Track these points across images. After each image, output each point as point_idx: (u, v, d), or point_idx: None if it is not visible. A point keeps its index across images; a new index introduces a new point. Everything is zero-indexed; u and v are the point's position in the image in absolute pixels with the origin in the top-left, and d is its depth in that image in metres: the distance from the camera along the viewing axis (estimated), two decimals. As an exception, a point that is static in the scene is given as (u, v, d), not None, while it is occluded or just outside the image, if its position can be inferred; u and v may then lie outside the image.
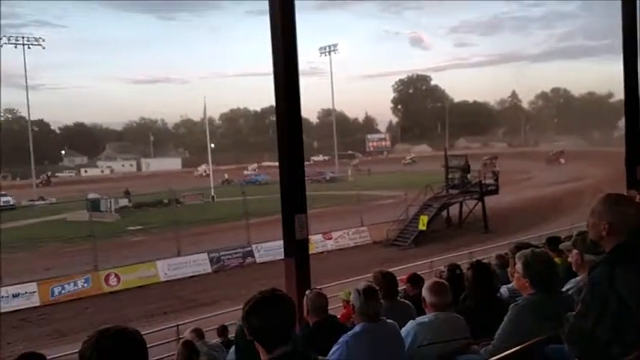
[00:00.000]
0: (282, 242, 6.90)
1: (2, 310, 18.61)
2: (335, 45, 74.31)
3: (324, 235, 26.14)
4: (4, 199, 48.16)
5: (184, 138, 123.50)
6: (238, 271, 23.31)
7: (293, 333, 2.23)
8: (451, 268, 5.29)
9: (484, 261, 5.39)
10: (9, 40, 61.96)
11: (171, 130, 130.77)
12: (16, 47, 62.26)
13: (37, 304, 19.38)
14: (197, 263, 23.21)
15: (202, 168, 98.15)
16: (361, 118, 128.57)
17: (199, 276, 22.64)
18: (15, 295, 19.22)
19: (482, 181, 30.08)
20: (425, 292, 3.57)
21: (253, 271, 22.75)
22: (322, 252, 24.52)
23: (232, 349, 5.63)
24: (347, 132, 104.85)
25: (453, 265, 5.37)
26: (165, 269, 22.43)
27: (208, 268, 23.31)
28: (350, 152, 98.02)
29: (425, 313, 3.62)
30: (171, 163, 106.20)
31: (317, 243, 24.34)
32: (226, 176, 70.35)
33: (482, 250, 18.15)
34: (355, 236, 27.83)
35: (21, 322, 17.79)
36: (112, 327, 1.86)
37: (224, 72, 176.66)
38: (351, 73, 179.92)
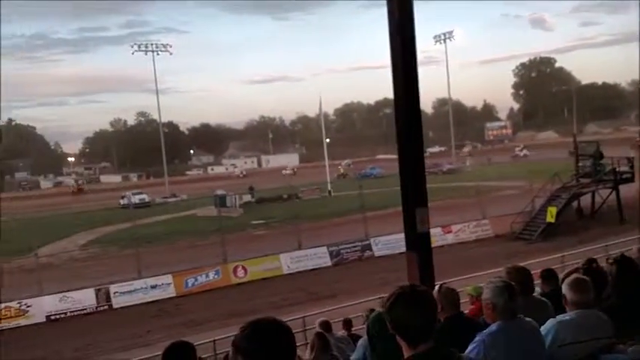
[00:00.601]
0: (400, 236, 6.81)
1: (142, 301, 20.26)
2: (450, 32, 72.27)
3: (443, 228, 25.55)
4: (139, 196, 52.22)
5: (301, 134, 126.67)
6: (357, 264, 23.48)
7: (435, 329, 2.20)
8: (589, 262, 4.92)
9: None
10: (139, 47, 66.95)
11: (289, 127, 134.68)
12: (146, 54, 67.13)
13: (173, 294, 20.83)
14: (317, 256, 23.71)
15: (290, 167, 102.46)
16: (479, 106, 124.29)
17: (320, 269, 23.11)
18: (153, 287, 20.79)
19: (617, 169, 27.79)
20: (565, 289, 3.35)
21: (372, 264, 22.81)
22: (442, 245, 24.01)
23: (360, 342, 5.66)
24: (464, 121, 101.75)
25: (591, 259, 4.99)
26: (288, 262, 23.16)
27: (328, 262, 23.73)
28: (467, 142, 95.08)
29: (563, 311, 3.41)
30: (289, 159, 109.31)
31: (436, 237, 23.85)
32: (341, 170, 71.03)
33: (620, 242, 16.77)
34: (476, 229, 26.92)
35: (159, 312, 19.19)
36: (263, 318, 1.92)
37: (337, 67, 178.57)
38: (467, 60, 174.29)
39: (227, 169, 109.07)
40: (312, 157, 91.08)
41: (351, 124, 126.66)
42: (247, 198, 46.18)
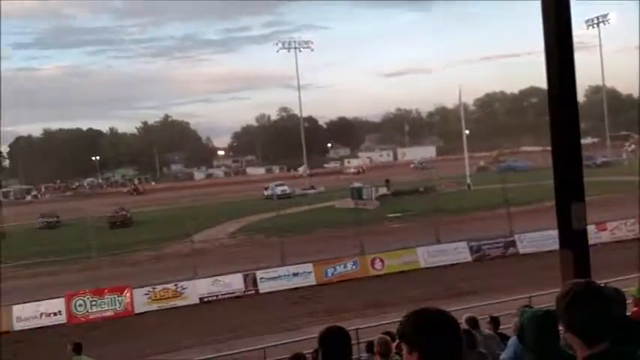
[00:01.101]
0: (548, 233, 6.42)
1: (285, 287, 21.19)
2: (605, 15, 66.46)
3: (597, 225, 23.64)
4: (280, 188, 54.53)
5: (438, 126, 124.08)
6: (500, 261, 22.55)
7: (614, 328, 2.07)
8: None
9: None
10: (283, 45, 69.78)
11: (426, 119, 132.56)
12: (289, 51, 69.81)
13: (313, 283, 21.53)
14: (457, 251, 23.13)
15: (354, 163, 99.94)
16: (637, 94, 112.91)
17: (459, 264, 22.54)
18: (295, 274, 21.64)
19: None
20: None
21: (516, 261, 21.80)
22: (595, 244, 22.22)
23: (510, 341, 5.44)
24: (620, 110, 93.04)
25: None
26: (425, 256, 22.86)
27: (468, 257, 23.05)
28: (624, 133, 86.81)
29: None
30: (426, 152, 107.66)
31: (590, 234, 22.09)
32: (482, 163, 68.50)
33: None
34: (634, 227, 24.57)
35: (300, 299, 19.96)
36: (428, 307, 1.93)
37: (476, 57, 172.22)
38: (623, 44, 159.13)
39: (363, 161, 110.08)
40: (450, 150, 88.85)
41: (492, 115, 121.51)
42: (383, 190, 46.30)
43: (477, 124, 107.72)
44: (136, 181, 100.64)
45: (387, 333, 7.08)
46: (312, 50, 70.74)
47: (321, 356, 3.29)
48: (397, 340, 7.16)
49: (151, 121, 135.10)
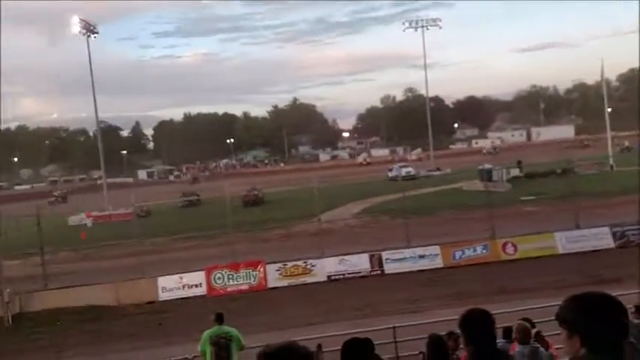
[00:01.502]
0: None
1: (411, 269, 21.06)
2: None
3: None
4: (405, 169, 54.04)
5: (577, 103, 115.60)
6: (648, 248, 20.62)
7: None
8: None
9: None
10: (410, 24, 68.56)
11: (563, 96, 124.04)
12: (416, 30, 68.51)
13: (440, 265, 21.17)
14: (598, 237, 21.52)
15: (362, 156, 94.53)
16: None
17: (601, 251, 20.98)
18: (421, 256, 21.41)
19: None
20: None
21: (669, 250, 19.81)
22: None
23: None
24: None
25: None
26: (564, 241, 21.53)
27: (611, 243, 21.37)
28: None
29: None
30: (562, 131, 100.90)
31: None
32: (626, 143, 63.02)
33: None
34: None
35: (427, 281, 19.73)
36: (589, 292, 1.83)
37: (620, 29, 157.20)
38: None
39: (493, 142, 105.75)
40: (591, 129, 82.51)
41: (637, 92, 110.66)
42: (515, 172, 44.21)
43: (620, 101, 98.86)
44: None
45: (525, 319, 6.80)
46: (440, 28, 68.86)
47: (464, 339, 3.22)
48: (536, 328, 6.84)
49: (280, 105, 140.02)
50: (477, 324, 3.16)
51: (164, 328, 17.82)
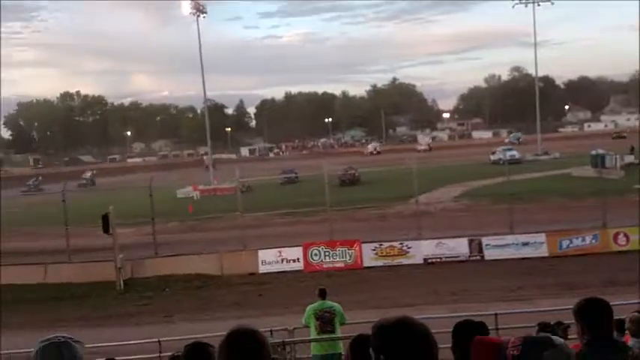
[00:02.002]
0: None
1: (512, 256, 20.29)
2: None
3: None
4: (510, 153, 51.83)
5: None
6: None
7: None
8: None
9: None
10: (520, 0, 65.06)
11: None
12: (526, 6, 64.96)
13: (545, 254, 20.21)
14: None
15: (372, 146, 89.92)
16: None
17: None
18: (524, 244, 20.54)
19: None
20: None
21: None
22: None
23: None
24: None
25: None
26: (685, 235, 19.82)
27: None
28: None
29: None
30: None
31: None
32: None
33: None
34: None
35: (530, 270, 18.91)
36: None
37: None
38: None
39: (606, 125, 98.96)
40: None
41: None
42: (630, 159, 41.15)
43: None
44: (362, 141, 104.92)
45: (639, 311, 6.33)
46: (552, 4, 64.82)
47: (579, 329, 3.04)
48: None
49: (379, 84, 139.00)
50: (595, 313, 2.98)
51: (263, 299, 18.47)
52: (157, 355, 10.23)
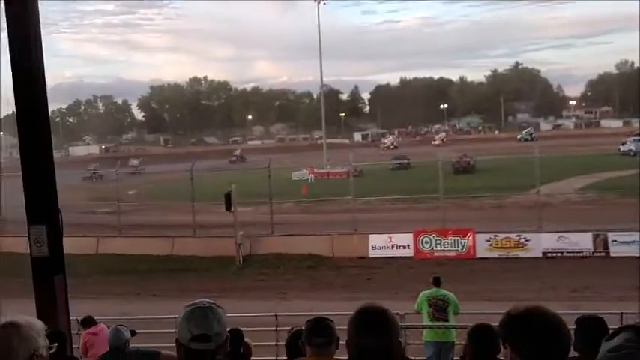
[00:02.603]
0: None
1: (641, 254, 18.86)
2: None
3: None
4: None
5: None
6: None
7: None
8: None
9: None
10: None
11: None
12: (667, -15, 59.14)
13: None
14: None
15: (389, 140, 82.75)
16: None
17: None
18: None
19: None
20: None
21: None
22: None
23: None
24: None
25: None
26: None
27: None
28: None
29: None
30: None
31: None
32: None
33: None
34: None
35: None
36: None
37: None
38: None
39: None
40: None
41: None
42: None
43: None
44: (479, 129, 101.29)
45: None
46: None
47: None
48: None
49: (500, 69, 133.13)
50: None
51: (373, 283, 18.74)
52: (274, 328, 10.82)
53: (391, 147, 78.06)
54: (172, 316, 11.27)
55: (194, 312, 2.33)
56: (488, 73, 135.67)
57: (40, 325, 2.05)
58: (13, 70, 5.25)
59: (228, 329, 2.45)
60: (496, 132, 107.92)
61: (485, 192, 31.28)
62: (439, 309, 9.69)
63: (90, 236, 23.79)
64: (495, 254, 20.47)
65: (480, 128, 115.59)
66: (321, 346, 3.13)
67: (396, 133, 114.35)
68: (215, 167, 44.57)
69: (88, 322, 8.71)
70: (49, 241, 5.21)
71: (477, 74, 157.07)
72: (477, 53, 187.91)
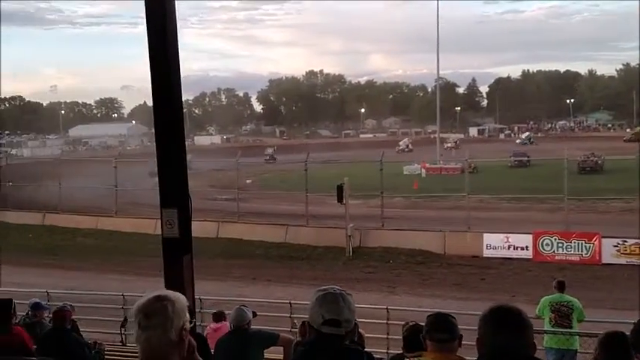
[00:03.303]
0: None
1: None
2: None
3: None
4: None
5: None
6: None
7: None
8: None
9: None
10: None
11: None
12: None
13: None
14: None
15: (403, 142, 73.83)
16: None
17: None
18: None
19: None
20: None
21: None
22: None
23: None
24: None
25: None
26: None
27: None
28: None
29: None
30: None
31: None
32: None
33: None
34: None
35: None
36: None
37: None
38: None
39: None
40: None
41: None
42: None
43: None
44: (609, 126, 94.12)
45: None
46: None
47: None
48: None
49: (632, 63, 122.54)
50: None
51: (487, 284, 18.13)
52: (385, 321, 10.83)
53: (406, 150, 73.97)
54: (285, 301, 11.72)
55: (326, 297, 2.42)
56: (619, 66, 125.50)
57: (185, 300, 2.20)
58: (150, 63, 5.65)
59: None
60: (627, 130, 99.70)
61: (612, 194, 29.10)
62: (562, 315, 9.21)
63: (211, 221, 25.09)
64: (623, 261, 19.00)
65: (610, 125, 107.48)
66: (444, 342, 3.10)
67: (516, 128, 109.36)
68: (328, 159, 45.15)
69: (218, 316, 8.87)
70: (179, 223, 5.57)
71: (607, 68, 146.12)
72: (607, 45, 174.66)
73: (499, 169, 45.30)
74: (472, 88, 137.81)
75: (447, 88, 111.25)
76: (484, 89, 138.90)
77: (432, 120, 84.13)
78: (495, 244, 21.03)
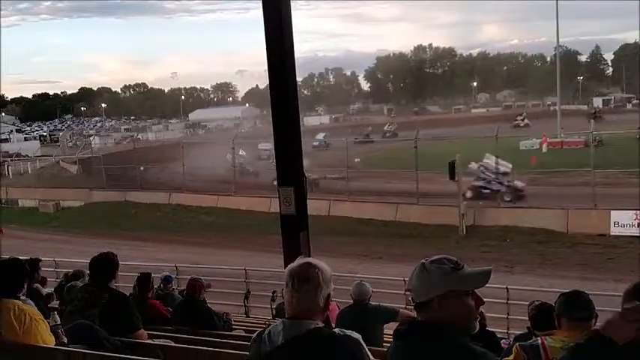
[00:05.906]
0: None
1: None
2: None
3: None
4: None
5: None
6: None
7: None
8: None
9: None
10: None
11: None
12: None
13: None
14: None
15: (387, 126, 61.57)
16: None
17: None
18: None
19: None
20: None
21: None
22: None
23: None
24: None
25: None
26: None
27: None
28: None
29: None
30: None
31: None
32: None
33: None
34: None
35: None
36: None
37: None
38: None
39: None
40: None
41: None
42: None
43: None
44: None
45: None
46: None
47: None
48: None
49: None
50: None
51: (614, 264, 17.00)
52: (505, 301, 10.56)
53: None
54: (400, 278, 11.71)
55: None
56: None
57: (331, 271, 2.41)
58: (267, 46, 5.84)
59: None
60: None
61: None
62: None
63: (322, 199, 25.56)
64: None
65: None
66: (583, 319, 3.04)
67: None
68: (438, 136, 44.14)
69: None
70: (295, 201, 5.76)
71: None
72: None
73: (629, 142, 41.94)
74: (595, 55, 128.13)
75: (567, 56, 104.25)
76: (609, 56, 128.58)
77: (550, 91, 79.22)
78: (624, 221, 19.68)
